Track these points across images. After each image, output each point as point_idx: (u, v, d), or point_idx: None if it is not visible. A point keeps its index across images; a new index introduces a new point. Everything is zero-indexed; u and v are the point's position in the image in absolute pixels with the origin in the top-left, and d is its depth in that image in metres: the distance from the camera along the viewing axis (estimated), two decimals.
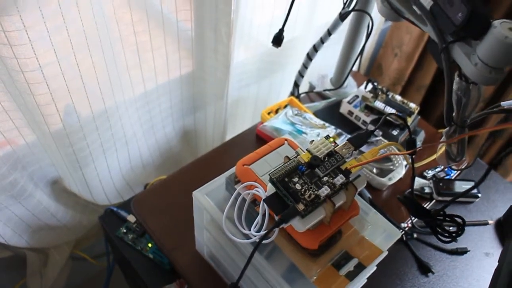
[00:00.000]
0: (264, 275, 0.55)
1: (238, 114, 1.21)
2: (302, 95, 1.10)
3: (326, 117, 0.98)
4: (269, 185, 0.51)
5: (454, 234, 0.58)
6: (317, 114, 1.00)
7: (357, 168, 0.52)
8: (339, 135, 0.92)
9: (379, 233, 0.61)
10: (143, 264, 0.79)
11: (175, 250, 0.75)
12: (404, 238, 0.82)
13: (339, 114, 1.04)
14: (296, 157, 0.53)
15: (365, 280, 0.63)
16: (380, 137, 0.93)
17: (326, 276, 0.55)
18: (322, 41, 0.96)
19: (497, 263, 0.59)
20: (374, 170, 0.89)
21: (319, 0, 1.06)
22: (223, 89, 0.98)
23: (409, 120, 0.96)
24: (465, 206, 0.91)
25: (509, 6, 1.24)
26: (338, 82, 1.09)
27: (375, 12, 0.75)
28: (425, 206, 0.89)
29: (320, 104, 1.05)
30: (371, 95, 1.00)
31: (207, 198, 0.59)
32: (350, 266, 0.56)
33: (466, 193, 0.87)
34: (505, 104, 0.62)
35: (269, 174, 0.51)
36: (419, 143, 0.97)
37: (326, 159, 0.52)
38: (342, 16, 0.88)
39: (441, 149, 0.72)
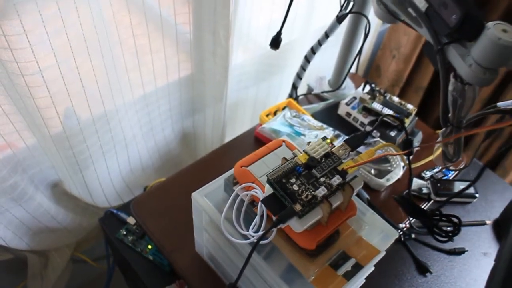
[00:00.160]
0: (263, 275, 0.55)
1: (237, 116, 1.21)
2: (300, 97, 1.11)
3: (324, 119, 0.98)
4: (267, 186, 0.52)
5: (450, 234, 0.58)
6: (315, 115, 1.00)
7: (354, 169, 0.53)
8: (337, 136, 0.93)
9: (376, 233, 0.61)
10: (143, 266, 0.79)
11: (175, 252, 0.75)
12: (402, 239, 0.83)
13: (337, 116, 1.05)
14: (293, 158, 0.54)
15: (364, 280, 0.63)
16: (378, 138, 0.93)
17: (324, 276, 0.55)
18: (319, 43, 0.97)
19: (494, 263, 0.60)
20: (372, 171, 0.90)
21: (317, 3, 1.07)
22: (222, 91, 0.98)
23: (407, 121, 0.97)
24: (463, 206, 0.92)
25: (505, 8, 1.25)
26: (336, 84, 1.10)
27: (372, 14, 0.76)
28: (423, 206, 0.89)
29: (318, 106, 1.06)
30: (369, 96, 1.01)
31: (205, 200, 0.60)
32: (347, 266, 0.56)
33: (462, 192, 0.87)
34: (501, 104, 0.63)
35: (266, 175, 0.52)
36: (416, 144, 0.97)
37: (323, 160, 0.53)
38: (339, 19, 0.89)
39: (438, 150, 0.72)
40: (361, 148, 0.61)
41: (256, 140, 0.96)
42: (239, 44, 0.97)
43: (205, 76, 0.97)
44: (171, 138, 1.10)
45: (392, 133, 0.95)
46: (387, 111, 0.98)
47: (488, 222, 0.89)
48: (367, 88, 1.03)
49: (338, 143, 0.55)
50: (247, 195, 0.55)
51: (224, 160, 0.92)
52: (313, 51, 0.99)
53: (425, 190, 0.90)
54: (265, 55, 1.10)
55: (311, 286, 0.54)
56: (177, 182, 0.87)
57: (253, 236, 0.51)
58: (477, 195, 0.91)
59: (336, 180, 0.51)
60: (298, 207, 0.49)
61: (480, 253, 0.84)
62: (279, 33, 0.82)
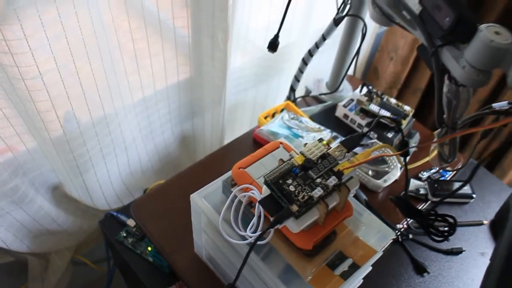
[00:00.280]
0: (261, 276, 0.56)
1: (236, 119, 1.22)
2: (298, 99, 1.11)
3: (322, 121, 0.99)
4: (264, 187, 0.53)
5: (446, 234, 0.59)
6: (313, 117, 1.01)
7: (350, 170, 0.54)
8: (334, 138, 0.93)
9: (373, 233, 0.62)
10: (143, 268, 0.80)
11: (174, 253, 0.76)
12: (400, 239, 0.83)
13: (335, 118, 1.06)
14: (290, 159, 0.55)
15: (361, 281, 0.64)
16: (375, 140, 0.94)
17: (321, 276, 0.56)
18: (317, 46, 0.97)
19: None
20: (370, 173, 0.90)
21: (315, 6, 1.07)
22: (221, 94, 0.99)
23: (404, 123, 0.98)
24: (461, 206, 0.93)
25: (502, 8, 1.26)
26: (334, 86, 1.10)
27: (369, 17, 0.77)
28: (420, 207, 0.90)
29: (316, 108, 1.07)
30: (366, 98, 1.02)
31: (204, 201, 0.60)
32: (344, 266, 0.57)
33: (457, 192, 0.88)
34: (496, 105, 0.63)
35: (264, 177, 0.52)
36: (414, 145, 0.98)
37: (319, 162, 0.54)
38: (336, 21, 0.90)
39: (434, 151, 0.73)
40: (358, 150, 0.62)
41: (254, 142, 0.97)
42: (237, 47, 0.98)
43: (204, 80, 0.98)
44: (170, 141, 1.10)
45: (390, 135, 0.96)
46: (384, 112, 0.99)
47: (485, 222, 0.90)
48: (364, 90, 1.04)
49: (335, 144, 0.56)
50: (245, 196, 0.55)
51: (223, 162, 0.93)
52: (310, 53, 1.00)
53: (422, 191, 0.91)
54: (264, 58, 1.11)
55: (308, 286, 0.55)
56: (176, 184, 0.87)
57: (250, 237, 0.52)
58: (474, 195, 0.92)
59: (332, 181, 0.52)
60: (294, 207, 0.49)
61: (477, 253, 0.85)
62: (276, 36, 0.82)
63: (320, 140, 0.56)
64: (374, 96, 1.02)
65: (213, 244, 0.66)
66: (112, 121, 0.86)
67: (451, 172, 0.97)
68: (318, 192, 0.51)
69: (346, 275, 0.56)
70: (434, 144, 0.72)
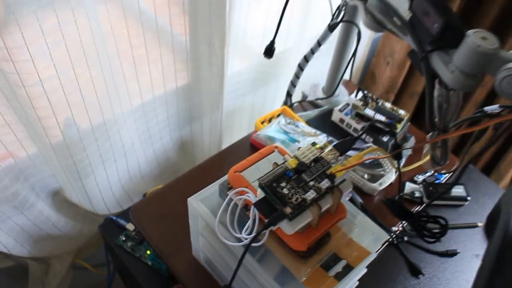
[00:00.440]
0: (257, 277, 0.57)
1: (234, 124, 1.23)
2: (295, 104, 1.13)
3: (318, 125, 1.00)
4: (259, 190, 0.54)
5: (438, 235, 0.60)
6: (309, 122, 1.03)
7: (343, 173, 0.55)
8: (330, 142, 0.94)
9: (367, 235, 0.63)
10: (142, 271, 0.81)
11: (173, 257, 0.77)
12: (395, 242, 0.84)
13: (331, 122, 1.07)
14: (284, 163, 0.56)
15: (357, 282, 0.65)
16: (370, 143, 0.95)
17: (316, 277, 0.57)
18: (312, 51, 0.99)
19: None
20: (366, 176, 0.92)
21: (310, 13, 1.09)
22: (218, 100, 1.00)
23: (399, 127, 0.99)
24: (456, 209, 0.94)
25: (496, 13, 1.27)
26: (330, 91, 1.12)
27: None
28: (415, 210, 0.91)
29: (312, 112, 1.08)
30: (361, 103, 1.03)
31: (201, 204, 0.61)
32: (338, 267, 0.58)
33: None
34: (488, 109, 0.64)
35: (258, 180, 0.54)
36: (405, 147, 0.99)
37: (312, 165, 0.55)
38: (331, 27, 0.91)
39: (427, 154, 0.74)
40: (352, 153, 0.63)
41: (251, 146, 0.98)
42: (234, 53, 1.00)
43: (202, 85, 0.99)
44: (169, 146, 1.11)
45: (385, 138, 0.97)
46: (379, 117, 1.00)
47: (479, 224, 0.90)
48: (360, 94, 1.05)
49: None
50: (241, 199, 0.57)
51: (221, 166, 0.94)
52: (306, 59, 1.01)
53: (417, 194, 0.92)
54: (261, 64, 1.12)
55: (303, 287, 0.56)
56: (175, 188, 0.88)
57: (246, 239, 0.53)
58: (468, 198, 0.93)
59: (325, 183, 0.53)
60: (288, 210, 0.51)
61: (472, 255, 0.86)
62: (272, 42, 0.84)
63: (314, 144, 0.57)
64: (369, 101, 1.04)
65: (210, 247, 0.67)
66: (111, 127, 0.87)
67: (446, 175, 0.98)
68: (311, 194, 0.52)
69: (340, 276, 0.57)
70: (427, 147, 0.73)
